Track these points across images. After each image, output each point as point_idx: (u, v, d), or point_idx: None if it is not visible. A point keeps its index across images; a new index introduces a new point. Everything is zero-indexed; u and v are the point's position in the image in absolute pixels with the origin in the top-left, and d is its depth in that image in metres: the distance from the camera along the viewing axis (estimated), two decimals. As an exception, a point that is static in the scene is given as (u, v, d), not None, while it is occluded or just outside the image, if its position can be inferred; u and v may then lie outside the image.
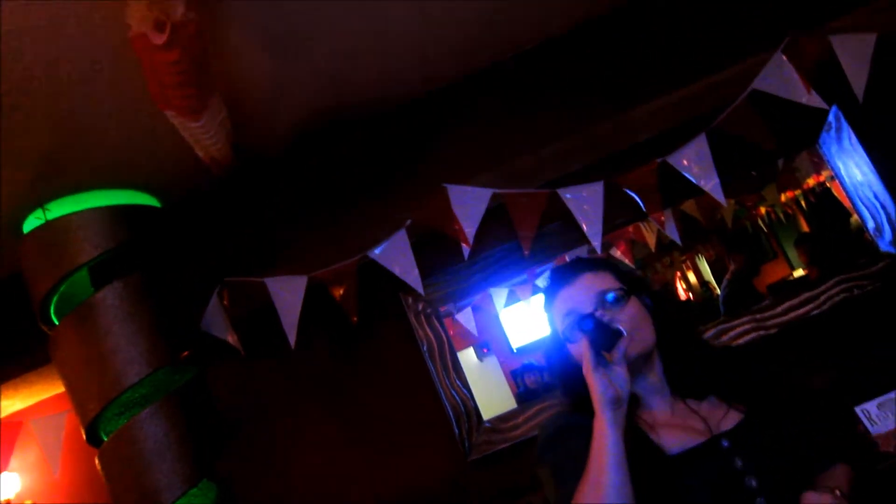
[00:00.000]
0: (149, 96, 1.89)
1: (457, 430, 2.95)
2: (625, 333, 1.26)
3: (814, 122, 2.79)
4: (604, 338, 1.25)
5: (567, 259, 3.35)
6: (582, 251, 3.27)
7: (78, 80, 1.94)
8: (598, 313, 1.31)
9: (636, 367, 1.32)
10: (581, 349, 1.27)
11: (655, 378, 1.37)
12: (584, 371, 1.24)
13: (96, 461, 2.35)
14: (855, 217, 3.05)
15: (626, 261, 3.59)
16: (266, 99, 2.43)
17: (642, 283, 1.45)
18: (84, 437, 2.37)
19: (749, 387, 1.37)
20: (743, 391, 1.36)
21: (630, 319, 1.31)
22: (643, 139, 2.89)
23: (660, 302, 1.42)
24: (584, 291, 1.37)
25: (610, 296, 1.34)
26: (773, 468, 1.23)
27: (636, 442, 1.27)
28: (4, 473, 3.49)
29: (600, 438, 1.19)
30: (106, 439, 2.33)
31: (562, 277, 1.42)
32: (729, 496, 1.22)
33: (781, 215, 3.60)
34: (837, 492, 1.20)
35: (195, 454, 2.34)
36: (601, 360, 1.23)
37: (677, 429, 1.32)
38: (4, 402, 3.22)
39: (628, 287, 1.37)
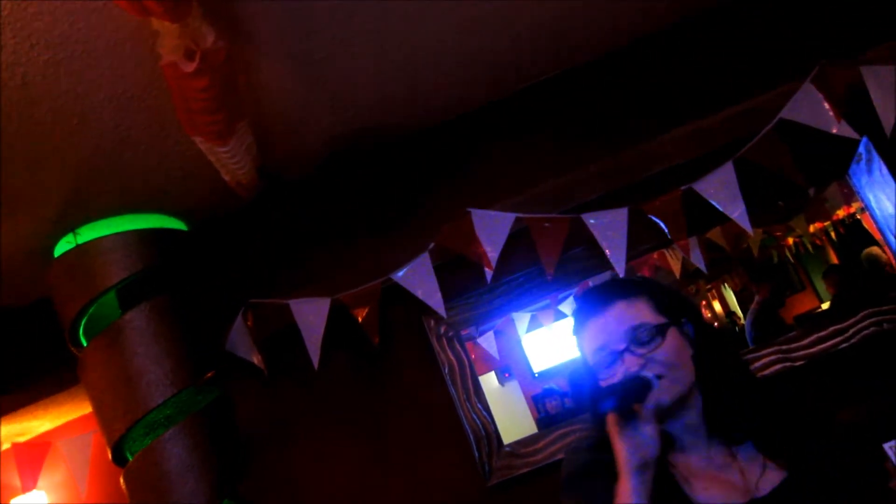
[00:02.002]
0: (177, 123, 1.94)
1: (476, 454, 2.93)
2: (655, 385, 1.14)
3: (844, 153, 2.76)
4: (632, 392, 1.12)
5: (591, 285, 3.33)
6: (605, 277, 3.26)
7: (109, 107, 1.98)
8: (625, 363, 1.19)
9: (672, 409, 1.20)
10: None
11: (694, 418, 1.24)
12: (609, 432, 1.12)
13: (121, 481, 2.38)
14: (870, 250, 3.00)
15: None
16: (292, 123, 2.46)
17: (684, 306, 1.29)
18: (110, 457, 2.40)
19: (791, 430, 1.22)
20: (786, 436, 1.21)
21: (666, 360, 1.19)
22: (670, 166, 2.87)
23: (703, 330, 1.27)
24: (616, 325, 1.22)
25: (643, 332, 1.20)
26: None
27: (669, 494, 1.17)
28: (33, 492, 3.54)
29: None
30: (131, 459, 2.36)
31: (593, 304, 1.28)
32: None
33: (810, 246, 3.55)
34: None
35: (218, 474, 2.36)
36: (629, 419, 1.11)
37: (713, 482, 1.19)
38: (33, 423, 3.28)
39: (668, 315, 1.23)
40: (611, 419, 1.13)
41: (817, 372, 2.73)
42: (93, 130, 2.06)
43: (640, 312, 1.23)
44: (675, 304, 1.27)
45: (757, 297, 3.62)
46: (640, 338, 1.20)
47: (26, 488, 3.55)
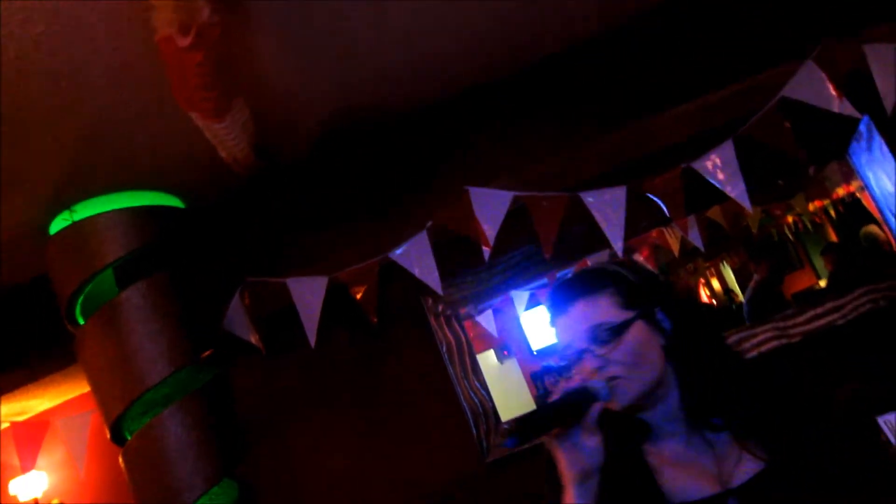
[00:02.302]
0: (173, 98, 1.91)
1: (475, 431, 2.95)
2: (603, 395, 1.14)
3: (844, 132, 2.75)
4: (571, 408, 1.11)
5: (589, 263, 3.33)
6: (604, 255, 3.26)
7: (105, 82, 1.96)
8: (584, 363, 1.19)
9: (640, 405, 1.20)
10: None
11: (671, 407, 1.21)
12: (548, 447, 1.12)
13: (120, 460, 2.38)
14: (868, 228, 3.00)
15: (650, 266, 3.56)
16: (289, 101, 2.44)
17: (657, 294, 1.25)
18: (108, 435, 2.41)
19: (781, 416, 1.17)
20: (767, 422, 1.16)
21: (624, 359, 1.17)
22: (669, 144, 2.86)
23: (680, 316, 1.23)
24: (577, 324, 1.21)
25: (602, 332, 1.19)
26: None
27: (641, 483, 1.18)
28: (32, 472, 3.55)
29: None
30: (129, 438, 2.36)
31: (558, 303, 1.27)
32: None
33: (809, 224, 3.54)
34: None
35: (217, 453, 2.36)
36: (569, 431, 1.10)
37: (686, 470, 1.18)
38: (32, 402, 3.28)
39: (636, 306, 1.20)
40: (546, 437, 1.12)
41: (813, 348, 2.75)
42: (88, 106, 2.03)
43: (600, 311, 1.21)
44: (647, 291, 1.24)
45: (756, 276, 3.62)
46: (600, 337, 1.19)
47: (25, 468, 3.56)
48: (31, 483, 3.51)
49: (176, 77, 1.82)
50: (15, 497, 3.52)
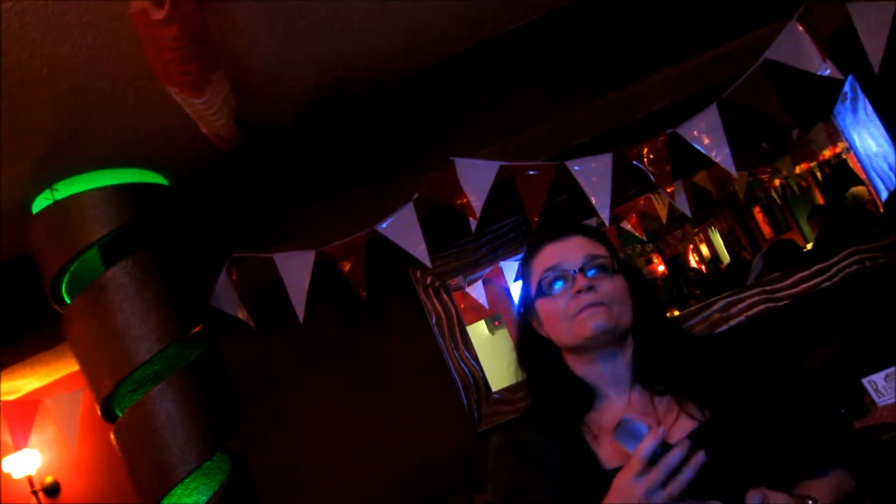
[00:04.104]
0: (151, 73, 1.88)
1: (465, 402, 2.98)
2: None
3: (829, 93, 2.74)
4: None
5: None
6: (591, 224, 3.26)
7: (81, 57, 1.92)
8: (575, 283, 1.21)
9: (608, 345, 1.22)
10: (552, 307, 1.23)
11: (623, 363, 1.25)
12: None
13: (112, 437, 2.39)
14: (854, 189, 3.00)
15: (637, 233, 3.57)
16: (270, 74, 2.40)
17: (627, 264, 1.33)
18: (99, 413, 2.41)
19: (718, 383, 1.19)
20: (710, 389, 1.19)
21: (613, 292, 1.21)
22: (654, 110, 2.85)
23: (641, 284, 1.30)
24: (574, 250, 1.25)
25: (600, 260, 1.24)
26: (725, 489, 1.03)
27: (574, 452, 1.18)
28: (25, 450, 3.57)
29: None
30: (120, 415, 2.36)
31: (552, 233, 1.31)
32: None
33: (796, 188, 3.54)
34: (809, 501, 1.03)
35: (208, 428, 2.37)
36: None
37: None
38: (21, 382, 3.28)
39: (620, 270, 1.26)
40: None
41: (800, 311, 2.77)
42: (63, 81, 1.99)
43: (599, 249, 1.27)
44: (622, 259, 1.31)
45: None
46: (597, 264, 1.23)
47: (18, 446, 3.57)
48: (24, 461, 3.53)
49: (151, 51, 1.79)
50: (8, 474, 3.54)
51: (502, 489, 1.24)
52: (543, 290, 1.26)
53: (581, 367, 1.27)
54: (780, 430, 1.12)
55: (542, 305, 1.27)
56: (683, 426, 1.16)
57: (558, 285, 1.24)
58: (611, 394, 1.25)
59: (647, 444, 1.00)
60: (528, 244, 1.35)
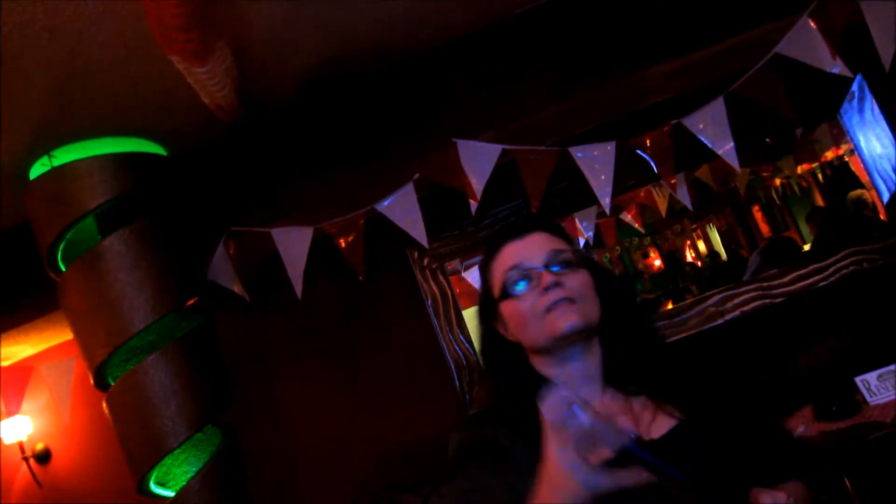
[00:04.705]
0: (154, 41, 1.86)
1: (458, 383, 2.99)
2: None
3: (836, 92, 2.72)
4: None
5: (577, 220, 3.32)
6: (591, 212, 3.25)
7: (81, 24, 1.90)
8: (541, 281, 1.17)
9: (578, 343, 1.18)
10: (518, 307, 1.18)
11: (593, 362, 1.21)
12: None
13: (104, 406, 2.39)
14: (855, 192, 2.99)
15: (637, 225, 3.56)
16: (273, 46, 2.38)
17: (588, 257, 1.29)
18: (92, 382, 2.41)
19: (686, 388, 1.19)
20: (681, 392, 1.18)
21: (579, 287, 1.17)
22: (660, 100, 2.83)
23: (607, 279, 1.26)
24: (536, 247, 1.21)
25: (564, 255, 1.20)
26: (697, 490, 0.99)
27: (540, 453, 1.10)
28: (17, 416, 3.57)
29: None
30: (113, 384, 2.36)
31: (511, 231, 1.26)
32: None
33: (796, 188, 3.52)
34: (791, 498, 1.01)
35: (200, 400, 2.38)
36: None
37: None
38: (15, 348, 3.27)
39: (584, 265, 1.22)
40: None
41: (795, 308, 2.77)
42: (64, 47, 1.97)
43: (560, 244, 1.23)
44: (584, 254, 1.29)
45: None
46: (558, 259, 1.19)
47: (10, 412, 3.58)
48: (16, 427, 3.53)
49: (154, 18, 1.76)
50: (0, 440, 3.55)
51: (458, 497, 1.17)
52: (507, 291, 1.21)
53: (550, 369, 1.21)
54: (736, 439, 1.11)
55: (506, 307, 1.22)
56: (662, 424, 1.14)
57: (522, 285, 1.20)
58: (584, 394, 1.16)
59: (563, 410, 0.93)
60: (486, 245, 1.30)
